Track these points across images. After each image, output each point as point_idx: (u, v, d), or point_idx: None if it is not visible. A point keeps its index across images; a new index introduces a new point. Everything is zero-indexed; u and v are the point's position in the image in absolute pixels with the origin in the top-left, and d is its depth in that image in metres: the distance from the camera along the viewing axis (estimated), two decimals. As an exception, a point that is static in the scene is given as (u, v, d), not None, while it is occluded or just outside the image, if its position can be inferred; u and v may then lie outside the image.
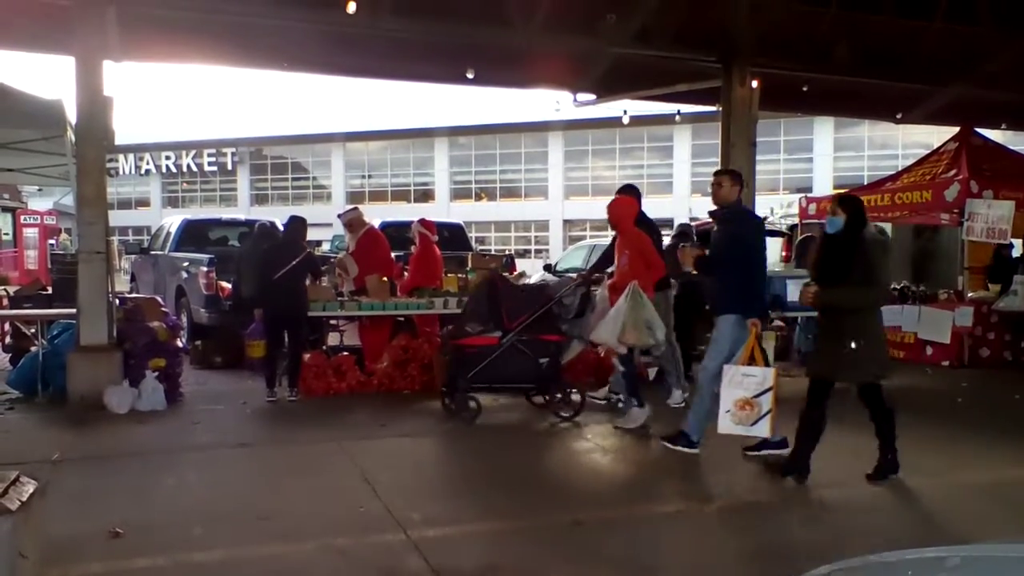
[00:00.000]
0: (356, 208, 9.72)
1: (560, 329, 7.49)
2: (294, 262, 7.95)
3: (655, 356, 7.56)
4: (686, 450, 6.06)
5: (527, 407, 7.65)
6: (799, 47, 10.33)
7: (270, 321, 8.14)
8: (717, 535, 4.72)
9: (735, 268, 5.94)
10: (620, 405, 7.42)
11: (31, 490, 3.55)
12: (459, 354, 7.37)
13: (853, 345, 5.26)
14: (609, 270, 7.57)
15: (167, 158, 48.19)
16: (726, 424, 5.77)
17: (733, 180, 6.25)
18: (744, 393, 5.71)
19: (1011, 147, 13.19)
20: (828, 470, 5.59)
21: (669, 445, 6.15)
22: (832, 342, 5.39)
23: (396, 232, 10.61)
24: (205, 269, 10.15)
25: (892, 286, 10.21)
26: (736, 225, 6.16)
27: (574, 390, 7.48)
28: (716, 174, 6.40)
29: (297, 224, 8.40)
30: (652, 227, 7.73)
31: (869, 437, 5.57)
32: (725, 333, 5.95)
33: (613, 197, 7.51)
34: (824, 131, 35.39)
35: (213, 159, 47.44)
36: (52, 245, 24.64)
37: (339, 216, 9.85)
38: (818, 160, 36.10)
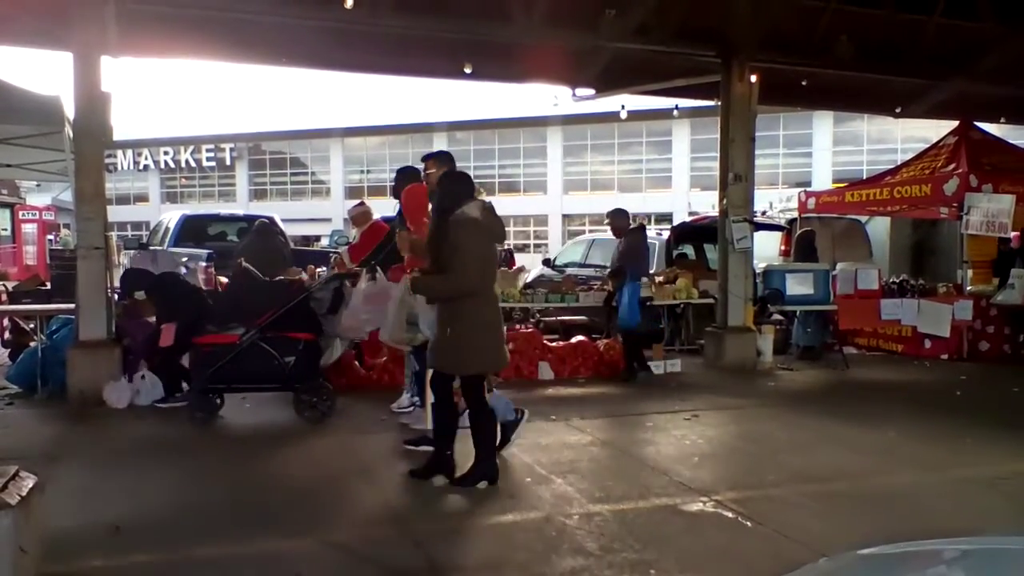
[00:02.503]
0: (363, 203, 9.74)
1: (315, 326, 7.01)
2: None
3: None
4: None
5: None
6: (798, 42, 10.32)
7: None
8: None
9: None
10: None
11: (31, 485, 3.56)
12: (195, 353, 6.95)
13: (449, 331, 5.05)
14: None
15: (165, 154, 48.15)
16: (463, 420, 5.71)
17: (441, 163, 6.00)
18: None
19: (1010, 141, 13.19)
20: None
21: (412, 447, 5.91)
22: (439, 330, 5.16)
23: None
24: (204, 264, 10.15)
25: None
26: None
27: (325, 392, 6.99)
28: (423, 159, 6.12)
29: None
30: None
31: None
32: None
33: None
34: (823, 125, 35.36)
35: (211, 154, 47.41)
36: (51, 241, 24.62)
37: (348, 211, 9.90)
38: (817, 154, 36.09)
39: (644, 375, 9.06)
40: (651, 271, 9.94)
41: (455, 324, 5.04)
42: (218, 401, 7.14)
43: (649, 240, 13.22)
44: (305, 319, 6.99)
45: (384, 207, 9.46)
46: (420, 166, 6.63)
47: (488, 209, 5.20)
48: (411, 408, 7.19)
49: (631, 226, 9.48)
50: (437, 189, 5.37)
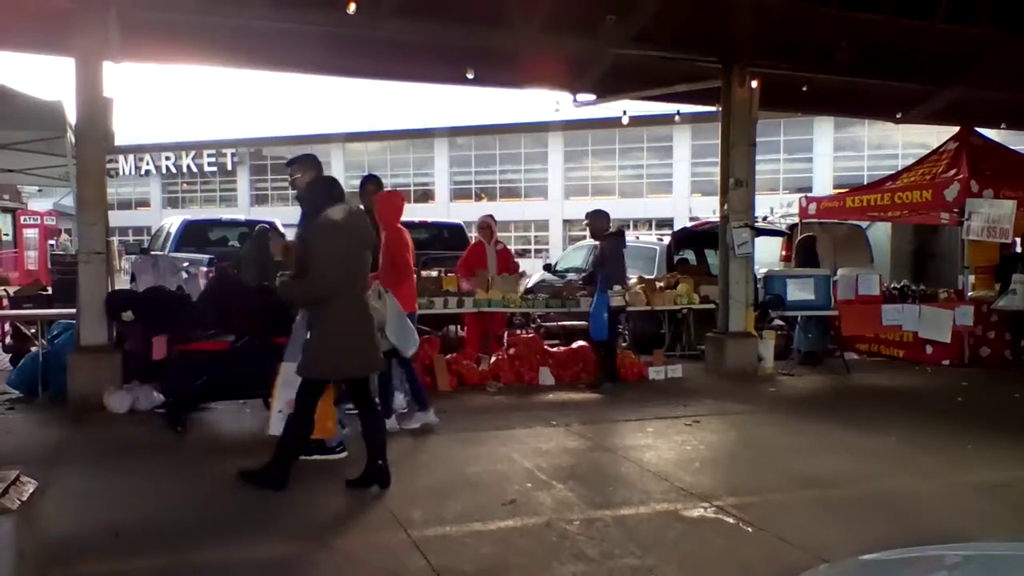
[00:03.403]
0: None
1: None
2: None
3: None
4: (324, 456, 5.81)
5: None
6: (799, 47, 10.32)
7: None
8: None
9: None
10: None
11: (31, 490, 3.56)
12: (185, 361, 6.73)
13: (308, 336, 5.09)
14: None
15: (167, 159, 48.21)
16: (278, 425, 5.60)
17: (306, 167, 5.92)
18: (294, 393, 5.49)
19: (1011, 147, 13.19)
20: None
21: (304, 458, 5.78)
22: (304, 334, 5.18)
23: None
24: (205, 269, 10.16)
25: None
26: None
27: None
28: (288, 164, 6.04)
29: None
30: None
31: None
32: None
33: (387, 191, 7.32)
34: (824, 131, 35.39)
35: (213, 159, 47.46)
36: (52, 246, 24.62)
37: None
38: (818, 160, 36.10)
39: (610, 385, 8.79)
40: (628, 278, 9.51)
41: (314, 328, 5.05)
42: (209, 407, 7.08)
43: (646, 245, 13.28)
44: (287, 324, 6.96)
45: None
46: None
47: (353, 214, 5.15)
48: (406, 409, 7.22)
49: (609, 230, 9.09)
50: (304, 195, 5.35)
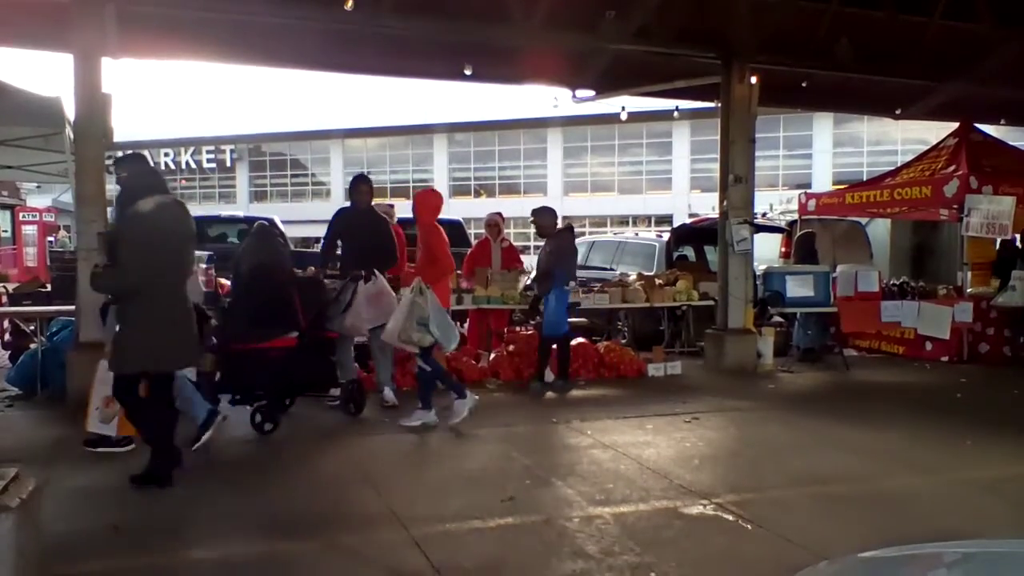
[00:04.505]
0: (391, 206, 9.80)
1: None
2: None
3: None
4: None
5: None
6: (799, 43, 10.32)
7: None
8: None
9: None
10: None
11: (31, 487, 3.56)
12: (261, 359, 6.50)
13: (118, 329, 5.05)
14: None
15: (166, 155, 48.16)
16: (94, 422, 5.57)
17: (131, 165, 5.81)
18: (109, 390, 5.45)
19: (1010, 143, 13.18)
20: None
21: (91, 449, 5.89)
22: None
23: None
24: (204, 266, 10.12)
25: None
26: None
27: (360, 386, 7.25)
28: (115, 163, 5.98)
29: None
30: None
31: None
32: None
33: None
34: (823, 127, 35.39)
35: (212, 156, 47.44)
36: (51, 242, 24.56)
37: None
38: (817, 156, 36.11)
39: (536, 385, 8.49)
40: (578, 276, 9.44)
41: (125, 321, 5.02)
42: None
43: (645, 242, 13.27)
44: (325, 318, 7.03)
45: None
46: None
47: (164, 205, 5.05)
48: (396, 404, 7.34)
49: (559, 227, 8.87)
50: (122, 188, 5.37)
